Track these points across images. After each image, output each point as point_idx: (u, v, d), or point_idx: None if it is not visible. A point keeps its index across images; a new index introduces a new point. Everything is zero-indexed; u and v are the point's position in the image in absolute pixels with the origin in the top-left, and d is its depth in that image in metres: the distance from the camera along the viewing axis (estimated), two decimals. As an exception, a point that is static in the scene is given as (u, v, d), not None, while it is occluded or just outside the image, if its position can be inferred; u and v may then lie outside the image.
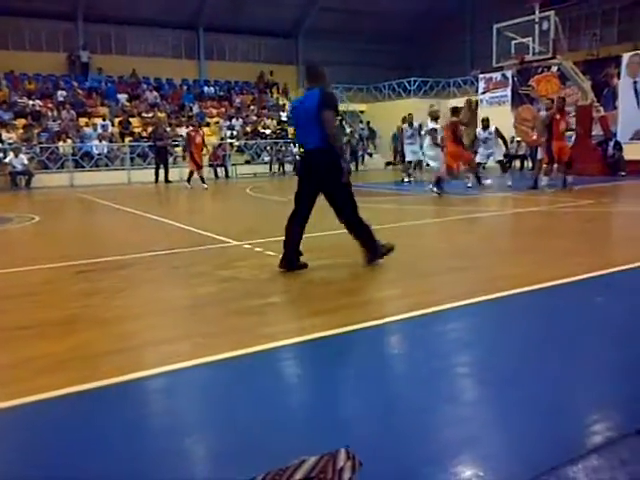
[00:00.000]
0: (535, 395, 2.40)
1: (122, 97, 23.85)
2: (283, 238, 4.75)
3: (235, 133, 23.32)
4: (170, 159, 19.20)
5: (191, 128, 16.50)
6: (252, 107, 26.42)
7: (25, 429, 2.30)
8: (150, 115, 22.85)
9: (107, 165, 19.95)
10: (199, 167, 15.47)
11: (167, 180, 17.93)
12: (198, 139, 15.47)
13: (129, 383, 2.64)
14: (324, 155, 4.52)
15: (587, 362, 2.79)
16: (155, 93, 24.80)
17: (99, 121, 21.33)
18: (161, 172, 18.05)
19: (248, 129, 24.20)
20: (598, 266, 4.56)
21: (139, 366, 2.84)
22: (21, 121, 20.30)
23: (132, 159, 20.24)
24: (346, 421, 2.26)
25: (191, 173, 15.59)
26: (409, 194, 12.65)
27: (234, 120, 24.03)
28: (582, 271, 4.42)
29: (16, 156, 17.59)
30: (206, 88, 26.93)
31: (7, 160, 17.64)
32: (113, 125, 21.67)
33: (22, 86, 22.51)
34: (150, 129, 20.65)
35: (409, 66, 30.76)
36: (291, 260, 4.72)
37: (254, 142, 23.25)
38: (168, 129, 20.75)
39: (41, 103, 21.66)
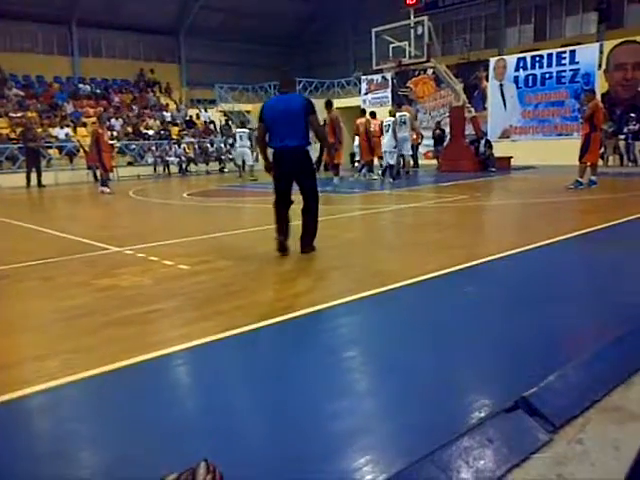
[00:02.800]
0: (410, 384, 2.50)
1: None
2: (274, 226, 5.41)
3: (115, 134, 22.24)
4: (43, 162, 17.99)
5: (97, 125, 14.80)
6: (133, 107, 25.37)
7: None
8: (19, 115, 21.20)
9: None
10: (108, 169, 14.43)
11: (40, 184, 16.78)
12: (106, 137, 14.43)
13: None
14: (304, 152, 5.34)
15: (458, 349, 2.95)
16: (22, 92, 23.05)
17: (-41, 121, 19.50)
18: (33, 176, 16.85)
19: (129, 129, 23.21)
20: (466, 258, 4.84)
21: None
22: None
23: (0, 162, 18.70)
24: (223, 427, 2.22)
25: (102, 175, 14.40)
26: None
27: (113, 120, 22.92)
28: (452, 264, 4.66)
29: None
30: (81, 86, 25.47)
31: None
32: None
33: None
34: (19, 130, 19.16)
35: (294, 67, 31.08)
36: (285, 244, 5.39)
37: (137, 143, 22.35)
38: (39, 130, 19.38)
39: None
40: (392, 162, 14.07)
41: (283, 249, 5.36)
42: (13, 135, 19.75)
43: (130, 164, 21.66)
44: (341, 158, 13.16)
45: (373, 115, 15.20)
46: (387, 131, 14.09)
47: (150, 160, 21.98)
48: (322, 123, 12.58)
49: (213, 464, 1.57)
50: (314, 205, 5.47)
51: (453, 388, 2.50)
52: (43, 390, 2.56)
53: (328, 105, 12.86)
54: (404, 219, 8.21)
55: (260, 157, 5.64)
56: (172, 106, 27.07)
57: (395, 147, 14.15)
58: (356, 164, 16.75)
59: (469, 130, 17.11)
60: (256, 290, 4.25)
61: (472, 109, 17.05)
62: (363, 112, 15.48)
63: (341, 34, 32.50)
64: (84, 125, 22.04)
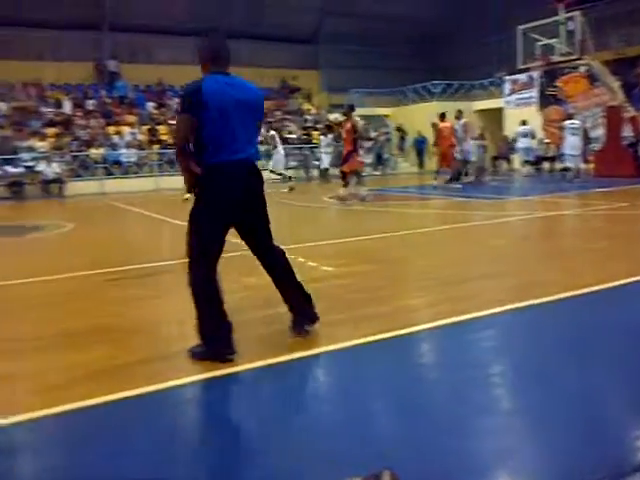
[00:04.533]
0: (574, 407, 2.36)
1: (150, 105, 24.22)
2: (203, 323, 3.16)
3: (260, 139, 23.49)
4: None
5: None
6: (276, 112, 26.59)
7: (61, 437, 2.35)
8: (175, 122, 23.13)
9: (136, 172, 20.25)
10: None
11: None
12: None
13: (165, 391, 2.68)
14: (259, 171, 3.33)
15: (632, 374, 2.73)
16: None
17: (127, 129, 21.69)
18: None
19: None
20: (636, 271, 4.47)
21: (177, 374, 2.88)
22: (52, 130, 20.75)
23: (160, 166, 20.54)
24: (382, 437, 2.26)
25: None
26: (435, 198, 12.58)
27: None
28: (621, 276, 4.32)
29: (48, 164, 18.00)
30: (231, 94, 27.19)
31: (39, 169, 18.03)
32: (141, 133, 22.03)
33: (51, 96, 22.98)
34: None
35: (432, 69, 30.62)
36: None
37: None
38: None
39: (71, 112, 22.11)
40: (571, 165, 13.53)
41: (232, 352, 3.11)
42: (171, 141, 21.62)
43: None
44: (356, 166, 11.91)
45: (443, 117, 14.45)
46: (573, 134, 13.91)
47: (292, 164, 22.89)
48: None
49: (396, 474, 1.58)
50: (283, 253, 3.59)
51: (624, 416, 2.32)
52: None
53: (350, 109, 12.07)
54: (555, 228, 7.76)
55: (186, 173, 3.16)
56: (313, 111, 27.94)
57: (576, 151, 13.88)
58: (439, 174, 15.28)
59: (627, 132, 15.73)
60: (401, 295, 4.26)
61: (630, 108, 15.67)
62: (443, 116, 14.54)
63: (481, 33, 31.42)
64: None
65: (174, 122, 18.62)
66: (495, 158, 19.78)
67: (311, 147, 23.42)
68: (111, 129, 21.60)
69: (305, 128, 25.64)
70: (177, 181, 18.42)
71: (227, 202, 3.13)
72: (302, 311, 3.48)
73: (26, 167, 18.13)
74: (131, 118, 22.97)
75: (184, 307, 4.16)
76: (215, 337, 3.09)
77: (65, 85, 24.06)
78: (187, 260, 3.18)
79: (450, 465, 1.96)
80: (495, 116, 22.73)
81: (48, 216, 12.27)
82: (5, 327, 3.92)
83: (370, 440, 2.17)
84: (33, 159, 18.52)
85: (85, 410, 2.50)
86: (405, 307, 3.96)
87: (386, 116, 26.18)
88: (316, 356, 3.08)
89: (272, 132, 16.98)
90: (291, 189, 15.41)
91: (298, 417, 2.42)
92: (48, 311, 4.23)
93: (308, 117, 26.67)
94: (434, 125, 14.53)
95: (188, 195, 3.44)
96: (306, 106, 28.34)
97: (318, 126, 26.22)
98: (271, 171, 15.72)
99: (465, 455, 2.03)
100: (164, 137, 22.24)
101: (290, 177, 16.46)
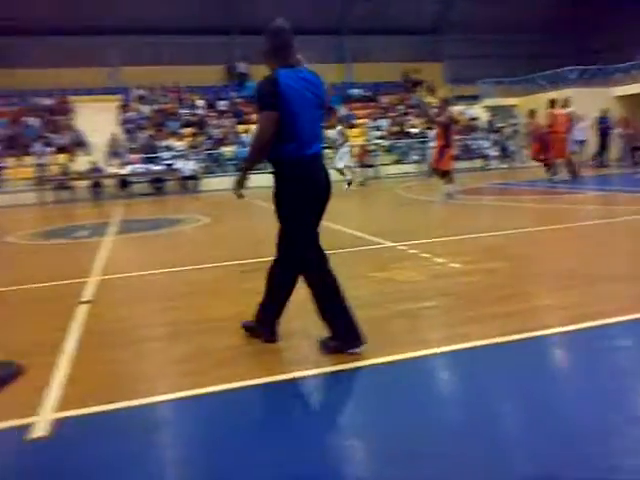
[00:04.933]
0: None
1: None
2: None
3: (383, 133, 23.48)
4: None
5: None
6: (399, 107, 26.43)
7: (207, 417, 2.56)
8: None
9: (263, 169, 21.11)
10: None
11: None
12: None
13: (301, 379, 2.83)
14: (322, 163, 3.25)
15: None
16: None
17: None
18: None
19: (396, 129, 24.26)
20: None
21: (301, 366, 3.01)
22: (188, 130, 22.25)
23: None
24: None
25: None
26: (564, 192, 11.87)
27: (381, 120, 24.21)
28: None
29: (185, 162, 19.39)
30: (353, 90, 27.47)
31: (177, 166, 19.44)
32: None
33: (187, 98, 24.60)
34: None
35: (566, 54, 28.72)
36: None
37: (402, 142, 23.29)
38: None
39: (204, 113, 23.54)
40: None
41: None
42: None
43: (397, 162, 22.68)
44: (450, 164, 11.07)
45: (554, 104, 13.37)
46: None
47: (415, 158, 22.67)
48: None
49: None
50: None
51: None
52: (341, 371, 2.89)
53: (445, 103, 11.48)
54: None
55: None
56: (434, 104, 27.42)
57: None
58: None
59: None
60: (533, 295, 4.11)
61: None
62: (554, 103, 13.58)
63: (627, 13, 28.93)
64: (354, 127, 23.74)
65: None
66: (636, 149, 18.15)
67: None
68: (241, 128, 22.68)
69: (427, 122, 25.23)
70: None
71: (313, 195, 3.13)
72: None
73: (166, 165, 19.63)
74: (259, 117, 23.98)
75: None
76: (266, 326, 3.34)
77: (199, 87, 25.61)
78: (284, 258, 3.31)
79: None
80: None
81: (186, 210, 13.19)
82: (149, 314, 4.31)
83: (518, 443, 2.14)
84: (172, 157, 19.99)
85: (226, 392, 2.71)
86: (537, 307, 3.82)
87: (513, 106, 25.02)
88: (448, 354, 3.07)
89: (339, 127, 16.87)
90: (349, 184, 15.22)
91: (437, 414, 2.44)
92: (187, 300, 4.58)
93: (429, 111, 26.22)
94: (549, 113, 13.52)
95: None
96: (429, 99, 27.85)
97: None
98: (336, 168, 15.39)
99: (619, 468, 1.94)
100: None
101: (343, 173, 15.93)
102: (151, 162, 19.71)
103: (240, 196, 3.24)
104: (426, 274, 4.83)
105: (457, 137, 23.22)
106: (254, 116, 23.84)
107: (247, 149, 3.46)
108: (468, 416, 2.38)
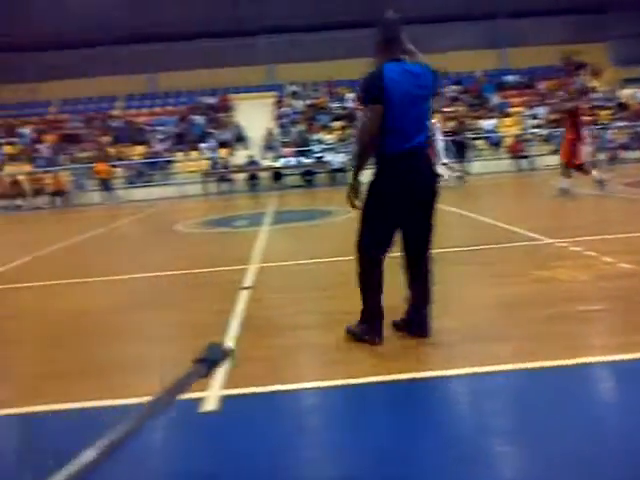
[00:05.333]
0: None
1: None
2: (366, 309, 3.35)
3: (540, 122, 22.11)
4: (471, 153, 19.47)
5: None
6: (559, 92, 24.66)
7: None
8: (451, 110, 23.23)
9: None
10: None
11: (466, 173, 18.24)
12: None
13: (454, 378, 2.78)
14: (429, 158, 3.26)
15: None
16: (455, 87, 25.09)
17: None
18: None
19: (554, 116, 22.69)
20: None
21: (452, 363, 2.96)
22: (337, 123, 22.73)
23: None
24: None
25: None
26: None
27: (538, 108, 22.79)
28: None
29: (334, 155, 19.89)
30: (507, 77, 26.13)
31: (327, 159, 19.99)
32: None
33: (338, 92, 25.10)
34: (451, 124, 21.06)
35: None
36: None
37: (561, 130, 21.73)
38: (469, 122, 20.92)
39: (353, 106, 23.88)
40: None
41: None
42: (446, 129, 21.78)
43: (555, 152, 21.22)
44: (582, 157, 9.59)
45: None
46: None
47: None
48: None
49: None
50: (430, 255, 3.34)
51: None
52: (491, 372, 2.80)
53: (582, 91, 9.83)
54: None
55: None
56: (600, 88, 25.19)
57: None
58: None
59: None
60: None
61: None
62: None
63: None
64: (508, 115, 22.61)
65: (448, 110, 18.56)
66: None
67: (601, 128, 21.17)
68: (388, 120, 22.70)
69: (592, 108, 23.25)
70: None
71: (399, 192, 3.08)
72: (414, 326, 3.34)
73: (316, 158, 20.27)
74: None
75: (460, 295, 4.23)
76: (368, 324, 3.28)
77: (349, 81, 26.02)
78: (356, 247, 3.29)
79: None
80: None
81: (336, 202, 13.51)
82: (305, 302, 4.49)
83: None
84: (322, 150, 20.58)
85: (378, 384, 2.74)
86: None
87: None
88: (618, 363, 2.83)
89: (432, 119, 15.74)
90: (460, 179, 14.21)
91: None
92: (345, 289, 4.69)
93: (595, 95, 24.13)
94: None
95: None
96: (593, 83, 25.66)
97: (609, 105, 23.60)
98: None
99: None
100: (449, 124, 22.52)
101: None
102: (302, 155, 20.48)
103: (355, 207, 3.23)
104: (592, 274, 4.48)
105: (618, 124, 21.24)
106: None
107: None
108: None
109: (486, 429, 2.34)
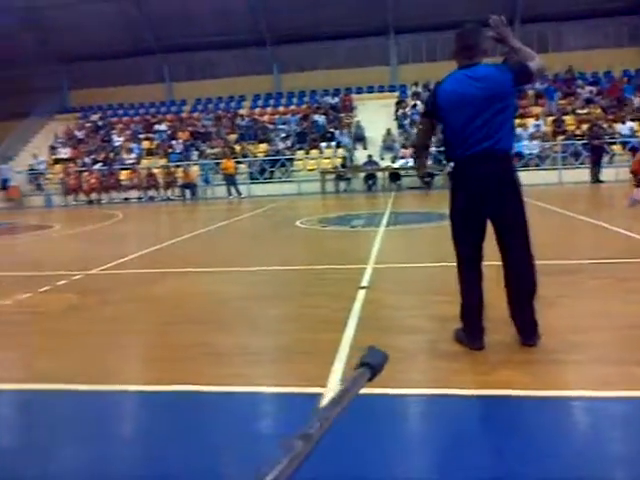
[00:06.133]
0: None
1: (556, 95, 23.45)
2: (461, 300, 3.35)
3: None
4: (605, 158, 18.20)
5: None
6: None
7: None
8: (585, 112, 21.79)
9: (537, 165, 19.94)
10: None
11: (598, 180, 17.05)
12: None
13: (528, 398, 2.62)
14: (502, 165, 3.18)
15: None
16: (591, 88, 23.49)
17: (532, 121, 21.51)
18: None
19: None
20: None
21: (554, 384, 2.78)
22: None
23: (564, 158, 19.74)
24: None
25: None
26: None
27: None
28: None
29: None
30: (651, 77, 24.03)
31: (445, 161, 19.55)
32: (546, 124, 21.57)
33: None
34: (585, 126, 19.79)
35: None
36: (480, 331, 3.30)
37: None
38: (605, 126, 19.49)
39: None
40: None
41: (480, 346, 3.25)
42: (578, 132, 20.47)
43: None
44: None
45: None
46: None
47: None
48: None
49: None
50: (531, 272, 3.21)
51: None
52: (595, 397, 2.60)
53: None
54: None
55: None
56: None
57: None
58: None
59: None
60: None
61: None
62: None
63: None
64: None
65: (582, 112, 17.57)
66: None
67: None
68: (517, 122, 21.74)
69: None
70: (581, 174, 17.59)
71: (465, 198, 3.18)
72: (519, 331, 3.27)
73: (435, 160, 19.86)
74: (537, 109, 22.65)
75: (593, 312, 3.94)
76: (467, 331, 3.28)
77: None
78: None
79: None
80: None
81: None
82: (421, 305, 4.43)
83: None
84: (440, 152, 20.16)
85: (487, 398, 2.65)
86: None
87: None
88: None
89: None
90: None
91: None
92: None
93: None
94: None
95: None
96: None
97: None
98: None
99: None
100: (570, 128, 21.26)
101: None
102: (421, 157, 20.19)
103: (425, 182, 3.62)
104: None
105: None
106: (533, 109, 22.65)
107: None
108: None
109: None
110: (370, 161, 20.46)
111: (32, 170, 23.54)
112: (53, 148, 25.02)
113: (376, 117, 23.11)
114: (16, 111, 25.71)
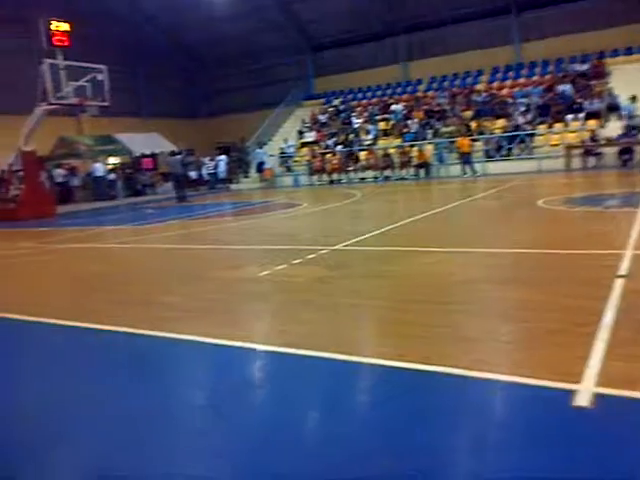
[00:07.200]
0: None
1: None
2: None
3: None
4: None
5: None
6: None
7: None
8: None
9: None
10: None
11: None
12: None
13: None
14: None
15: None
16: None
17: None
18: None
19: None
20: None
21: None
22: None
23: None
24: None
25: None
26: None
27: None
28: None
29: None
30: None
31: None
32: None
33: None
34: None
35: None
36: None
37: None
38: None
39: None
40: None
41: None
42: None
43: None
44: None
45: None
46: None
47: None
48: None
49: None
50: None
51: None
52: None
53: None
54: None
55: None
56: None
57: None
58: None
59: None
60: None
61: None
62: None
63: None
64: None
65: None
66: None
67: None
68: None
69: None
70: None
71: None
72: None
73: None
74: None
75: None
76: None
77: None
78: None
79: None
80: None
81: None
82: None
83: None
84: None
85: None
86: None
87: None
88: None
89: None
90: None
91: None
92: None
93: None
94: None
95: None
96: None
97: None
98: None
99: None
100: None
101: None
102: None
103: None
104: None
105: None
106: None
107: None
108: None
109: None
110: (626, 133, 18.11)
111: (283, 153, 25.97)
112: (300, 132, 27.20)
113: (635, 84, 20.23)
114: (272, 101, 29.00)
